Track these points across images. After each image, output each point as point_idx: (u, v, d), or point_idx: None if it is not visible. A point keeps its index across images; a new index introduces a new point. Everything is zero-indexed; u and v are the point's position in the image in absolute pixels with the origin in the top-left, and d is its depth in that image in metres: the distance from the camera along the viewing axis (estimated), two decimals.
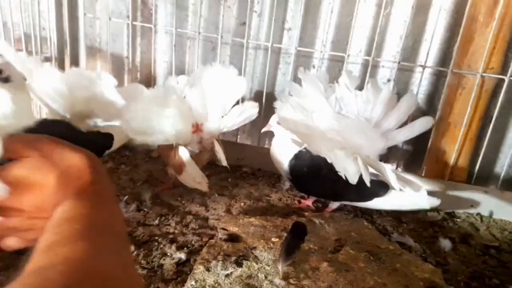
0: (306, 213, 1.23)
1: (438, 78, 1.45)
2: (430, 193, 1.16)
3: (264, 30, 1.52)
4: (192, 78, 1.27)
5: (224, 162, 1.22)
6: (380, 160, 1.17)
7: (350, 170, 1.07)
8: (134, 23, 1.55)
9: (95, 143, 1.20)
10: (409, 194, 1.15)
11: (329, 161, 1.09)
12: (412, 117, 1.27)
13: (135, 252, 1.00)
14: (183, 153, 1.16)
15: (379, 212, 1.31)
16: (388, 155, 1.47)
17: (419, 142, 1.46)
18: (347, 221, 1.20)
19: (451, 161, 1.40)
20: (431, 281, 0.96)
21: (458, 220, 1.36)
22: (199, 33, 1.48)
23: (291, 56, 1.50)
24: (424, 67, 1.37)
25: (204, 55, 1.59)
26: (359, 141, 1.15)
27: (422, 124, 1.22)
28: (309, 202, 1.31)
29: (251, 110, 1.24)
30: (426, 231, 1.27)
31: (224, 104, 1.23)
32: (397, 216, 1.32)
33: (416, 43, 1.45)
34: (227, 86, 1.23)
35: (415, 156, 1.52)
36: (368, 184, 1.07)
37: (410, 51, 1.45)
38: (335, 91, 1.24)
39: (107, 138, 1.22)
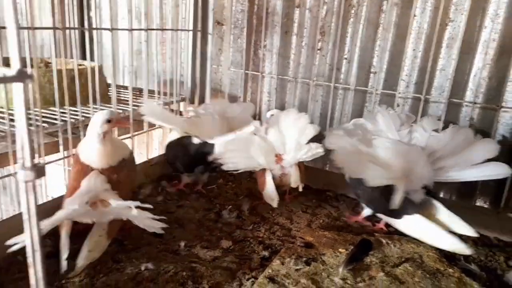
0: (377, 234, 1.40)
1: None
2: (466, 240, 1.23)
3: (353, 74, 1.76)
4: (272, 120, 1.60)
5: (294, 184, 1.50)
6: (429, 190, 1.30)
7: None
8: (247, 71, 1.95)
9: (203, 149, 1.59)
10: (437, 230, 1.24)
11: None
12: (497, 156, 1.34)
13: (232, 247, 1.31)
14: (268, 176, 1.50)
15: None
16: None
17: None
18: (414, 244, 1.33)
19: None
20: None
21: None
22: (296, 78, 1.80)
23: (376, 96, 1.71)
24: (500, 107, 1.44)
25: (301, 94, 1.90)
26: (403, 164, 1.30)
27: (492, 171, 1.29)
28: (382, 225, 1.47)
29: (317, 149, 1.48)
30: (498, 263, 1.31)
31: (299, 141, 1.50)
32: (469, 245, 1.38)
33: (499, 85, 1.52)
34: (299, 128, 1.52)
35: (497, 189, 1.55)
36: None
37: (494, 92, 1.53)
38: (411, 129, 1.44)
39: (211, 147, 1.59)
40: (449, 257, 1.31)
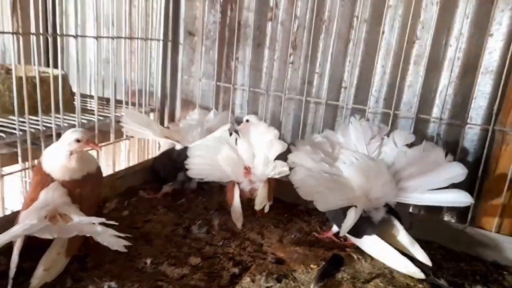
0: (348, 249, 1.39)
1: (487, 133, 1.54)
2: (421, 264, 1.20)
3: (324, 88, 1.77)
4: (242, 131, 1.60)
5: (258, 206, 1.47)
6: (391, 208, 1.32)
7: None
8: (218, 83, 1.93)
9: (184, 155, 1.59)
10: (393, 253, 1.23)
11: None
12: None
13: (200, 264, 1.27)
14: (235, 193, 1.48)
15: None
16: None
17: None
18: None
19: (497, 213, 1.45)
20: None
21: (505, 273, 1.39)
22: (267, 91, 1.79)
23: (347, 110, 1.73)
24: (465, 123, 1.49)
25: (274, 107, 1.89)
26: (364, 182, 1.31)
27: (454, 198, 1.29)
28: (352, 240, 1.47)
29: (282, 168, 1.47)
30: (466, 279, 1.33)
31: (267, 155, 1.49)
32: (439, 262, 1.40)
33: (464, 101, 1.57)
34: (268, 143, 1.51)
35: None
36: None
37: (459, 108, 1.58)
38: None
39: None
40: None
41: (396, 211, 1.35)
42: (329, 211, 1.38)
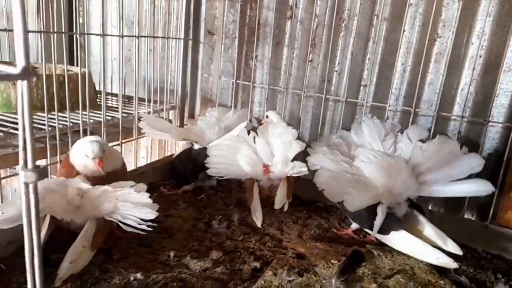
0: (368, 246, 1.40)
1: (509, 131, 1.53)
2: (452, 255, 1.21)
3: (343, 86, 1.78)
4: (259, 130, 1.60)
5: (278, 205, 1.48)
6: (413, 202, 1.32)
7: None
8: (238, 81, 1.95)
9: (203, 155, 1.62)
10: (424, 246, 1.24)
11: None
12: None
13: (222, 258, 1.29)
14: (255, 192, 1.50)
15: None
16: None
17: None
18: (405, 256, 1.33)
19: None
20: None
21: None
22: (287, 89, 1.81)
23: (366, 109, 1.73)
24: (488, 122, 1.48)
25: (292, 105, 1.91)
26: (385, 179, 1.31)
27: (475, 187, 1.30)
28: (372, 237, 1.47)
29: (301, 168, 1.48)
30: (488, 276, 1.33)
31: (285, 155, 1.51)
32: (460, 260, 1.39)
33: (486, 100, 1.56)
34: (287, 142, 1.52)
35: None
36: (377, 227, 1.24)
37: (481, 106, 1.57)
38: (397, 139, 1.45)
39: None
40: (439, 269, 1.31)
41: (419, 204, 1.36)
42: (350, 212, 1.38)
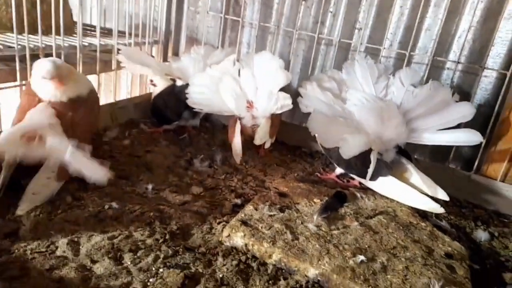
0: (351, 188, 1.38)
1: (502, 82, 1.49)
2: (439, 201, 1.21)
3: (337, 29, 1.69)
4: (243, 61, 1.50)
5: (259, 141, 1.42)
6: (400, 149, 1.30)
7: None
8: (226, 16, 1.83)
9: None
10: (412, 192, 1.23)
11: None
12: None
13: (202, 193, 1.25)
14: (237, 128, 1.42)
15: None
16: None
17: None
18: (388, 199, 1.32)
19: (504, 162, 1.43)
20: (452, 253, 1.05)
21: (506, 220, 1.39)
22: (278, 26, 1.71)
23: (360, 53, 1.65)
24: (483, 68, 1.43)
25: (282, 48, 1.82)
26: (377, 124, 1.28)
27: (464, 137, 1.27)
28: (356, 182, 1.45)
29: (284, 100, 1.40)
30: (467, 222, 1.33)
31: (270, 89, 1.41)
32: (441, 205, 1.39)
33: (483, 48, 1.50)
34: (272, 74, 1.43)
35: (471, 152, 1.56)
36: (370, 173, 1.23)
37: (476, 55, 1.52)
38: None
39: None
40: (420, 214, 1.31)
41: (406, 151, 1.33)
42: (339, 158, 1.33)
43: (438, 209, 1.20)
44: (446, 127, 1.30)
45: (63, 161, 0.98)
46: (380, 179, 1.29)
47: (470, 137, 1.27)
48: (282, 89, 1.44)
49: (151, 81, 1.68)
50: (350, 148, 1.24)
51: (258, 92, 1.43)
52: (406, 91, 1.35)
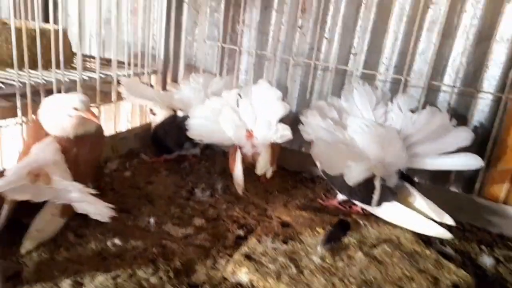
0: (354, 216, 1.37)
1: (499, 104, 1.50)
2: (444, 225, 1.21)
3: (332, 54, 1.72)
4: (242, 92, 1.52)
5: (259, 171, 1.44)
6: (402, 174, 1.30)
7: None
8: (224, 45, 1.86)
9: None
10: (418, 217, 1.23)
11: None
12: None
13: (205, 225, 1.24)
14: (237, 158, 1.43)
15: None
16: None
17: None
18: (391, 226, 1.31)
19: (506, 184, 1.43)
20: (459, 283, 1.04)
21: (510, 243, 1.38)
22: (275, 54, 1.73)
23: (356, 78, 1.68)
24: (478, 91, 1.45)
25: (279, 74, 1.84)
26: (379, 150, 1.28)
27: (465, 161, 1.28)
28: (359, 208, 1.44)
29: (284, 131, 1.42)
30: (471, 247, 1.33)
31: (269, 119, 1.43)
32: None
33: (477, 71, 1.53)
34: (271, 104, 1.45)
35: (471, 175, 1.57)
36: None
37: (471, 78, 1.54)
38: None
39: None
40: (424, 240, 1.30)
41: (409, 176, 1.33)
42: (342, 185, 1.33)
43: (445, 234, 1.20)
44: (446, 151, 1.31)
45: (68, 200, 0.97)
46: (385, 205, 1.29)
47: (471, 161, 1.28)
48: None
49: (151, 110, 1.69)
50: (355, 175, 1.24)
51: (257, 121, 1.44)
52: (405, 117, 1.36)
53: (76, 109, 1.13)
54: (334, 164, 1.31)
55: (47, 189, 0.97)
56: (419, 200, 1.27)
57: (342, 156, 1.29)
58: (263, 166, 1.44)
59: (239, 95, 1.50)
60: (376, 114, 1.43)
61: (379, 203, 1.27)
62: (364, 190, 1.28)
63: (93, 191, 0.99)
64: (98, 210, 0.98)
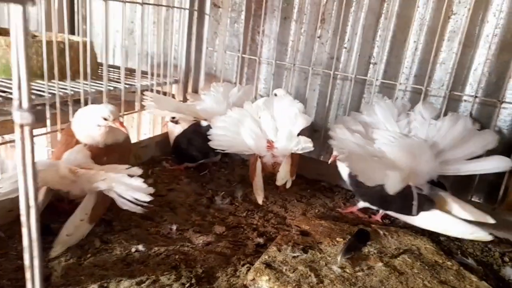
0: (373, 225, 1.37)
1: None
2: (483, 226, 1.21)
3: (352, 64, 1.73)
4: (264, 104, 1.54)
5: (280, 181, 1.45)
6: (434, 182, 1.29)
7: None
8: (243, 55, 1.89)
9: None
10: (455, 221, 1.23)
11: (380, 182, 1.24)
12: (493, 151, 1.32)
13: (225, 233, 1.26)
14: (258, 168, 1.45)
15: (446, 235, 1.39)
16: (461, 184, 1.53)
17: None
18: (411, 237, 1.31)
19: None
20: None
21: None
22: (294, 64, 1.75)
23: (376, 87, 1.68)
24: (501, 102, 1.43)
25: (298, 83, 1.86)
26: (407, 159, 1.27)
27: (494, 164, 1.27)
28: (378, 217, 1.45)
29: (305, 144, 1.43)
30: (494, 258, 1.31)
31: (290, 130, 1.45)
32: (466, 242, 1.37)
33: (499, 80, 1.51)
34: (292, 116, 1.46)
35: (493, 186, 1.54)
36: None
37: (493, 88, 1.52)
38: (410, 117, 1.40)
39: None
40: (445, 251, 1.30)
41: (441, 182, 1.32)
42: (374, 196, 1.34)
43: (486, 237, 1.20)
44: (473, 156, 1.30)
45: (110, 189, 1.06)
46: (422, 213, 1.28)
47: (500, 163, 1.26)
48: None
49: (173, 118, 1.71)
50: (394, 183, 1.24)
51: (279, 133, 1.46)
52: (429, 125, 1.35)
53: (105, 119, 1.17)
54: (371, 175, 1.30)
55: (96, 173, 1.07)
56: (455, 205, 1.27)
57: (379, 168, 1.28)
58: (284, 177, 1.45)
59: (261, 106, 1.53)
60: (400, 125, 1.42)
61: (417, 213, 1.26)
62: (403, 199, 1.27)
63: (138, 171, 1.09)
64: (138, 194, 1.04)
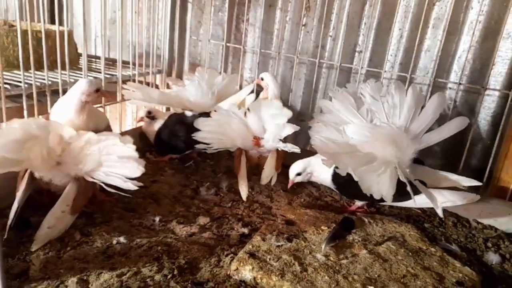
0: (358, 214, 1.37)
1: (505, 100, 1.49)
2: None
3: (337, 52, 1.71)
4: (251, 106, 1.48)
5: (264, 181, 1.44)
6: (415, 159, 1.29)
7: (380, 187, 1.19)
8: (228, 44, 1.86)
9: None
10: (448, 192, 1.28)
11: (355, 179, 1.16)
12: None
13: (209, 223, 1.25)
14: (242, 163, 1.44)
15: (430, 221, 1.40)
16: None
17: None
18: (396, 224, 1.31)
19: None
20: (463, 280, 1.04)
21: None
22: (279, 53, 1.73)
23: (361, 76, 1.67)
24: (485, 89, 1.44)
25: (284, 72, 1.84)
26: (391, 150, 1.25)
27: (455, 125, 1.26)
28: (355, 206, 1.43)
29: (293, 149, 1.38)
30: (477, 244, 1.32)
31: (278, 132, 1.42)
32: (450, 228, 1.38)
33: (483, 67, 1.52)
34: (276, 115, 1.42)
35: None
36: (412, 194, 1.18)
37: (477, 75, 1.53)
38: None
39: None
40: (430, 237, 1.30)
41: (417, 158, 1.31)
42: (349, 190, 1.33)
43: (475, 197, 1.28)
44: (433, 122, 1.27)
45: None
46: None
47: (461, 123, 1.25)
48: None
49: (149, 113, 1.63)
50: (390, 188, 1.19)
51: (266, 134, 1.44)
52: (383, 104, 1.30)
53: (98, 90, 1.19)
54: (372, 184, 1.20)
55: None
56: (439, 174, 1.31)
57: (372, 173, 1.20)
58: (268, 175, 1.44)
59: (248, 109, 1.47)
60: (362, 114, 1.36)
61: (410, 196, 1.20)
62: (399, 189, 1.21)
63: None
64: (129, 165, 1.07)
